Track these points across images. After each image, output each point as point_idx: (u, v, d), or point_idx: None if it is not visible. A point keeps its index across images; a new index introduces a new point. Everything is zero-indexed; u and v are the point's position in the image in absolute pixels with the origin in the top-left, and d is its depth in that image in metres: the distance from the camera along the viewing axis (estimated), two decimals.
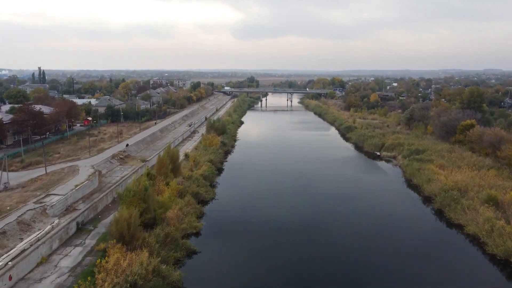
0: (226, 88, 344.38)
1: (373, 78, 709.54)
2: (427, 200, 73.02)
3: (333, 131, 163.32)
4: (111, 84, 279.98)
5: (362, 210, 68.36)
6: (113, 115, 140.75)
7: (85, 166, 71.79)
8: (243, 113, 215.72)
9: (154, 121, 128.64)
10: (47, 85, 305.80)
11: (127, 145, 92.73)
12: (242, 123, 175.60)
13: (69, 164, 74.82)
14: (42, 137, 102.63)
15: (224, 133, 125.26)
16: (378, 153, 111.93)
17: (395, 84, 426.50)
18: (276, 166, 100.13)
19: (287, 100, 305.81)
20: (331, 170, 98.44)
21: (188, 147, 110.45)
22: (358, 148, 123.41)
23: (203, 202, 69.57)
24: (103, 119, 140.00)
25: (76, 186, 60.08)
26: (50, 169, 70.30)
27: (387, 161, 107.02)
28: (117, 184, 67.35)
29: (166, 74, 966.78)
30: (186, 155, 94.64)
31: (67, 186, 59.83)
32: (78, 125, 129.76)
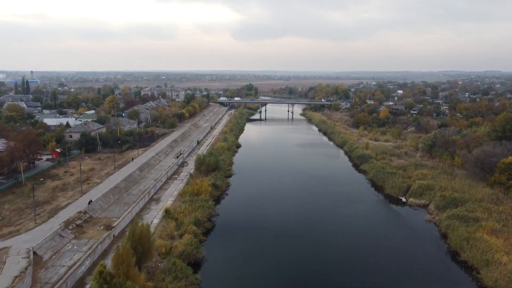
0: (223, 98, 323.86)
1: (374, 82, 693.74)
2: None
3: (342, 157, 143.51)
4: (99, 96, 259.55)
5: None
6: (88, 144, 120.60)
7: (18, 254, 51.72)
8: (241, 131, 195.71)
9: (132, 157, 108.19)
10: (31, 96, 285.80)
11: (90, 201, 72.57)
12: (239, 146, 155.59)
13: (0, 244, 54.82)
14: None
15: (217, 168, 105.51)
16: (404, 199, 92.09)
17: (400, 91, 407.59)
18: (277, 215, 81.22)
19: (288, 111, 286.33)
20: (344, 219, 79.98)
21: (171, 191, 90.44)
22: (376, 187, 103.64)
23: None
24: (76, 149, 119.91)
25: None
26: None
27: (415, 209, 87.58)
28: (60, 284, 47.33)
29: (163, 77, 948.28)
30: (167, 211, 74.82)
31: None
32: (45, 158, 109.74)
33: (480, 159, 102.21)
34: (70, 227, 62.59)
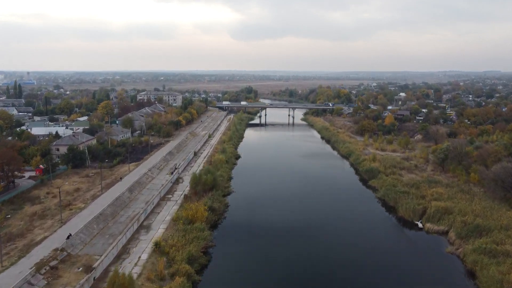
0: (226, 102, 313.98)
1: (375, 84, 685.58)
2: None
3: (348, 169, 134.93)
4: (93, 101, 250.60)
5: None
6: (75, 159, 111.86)
7: None
8: (240, 139, 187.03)
9: (121, 176, 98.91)
10: (23, 100, 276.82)
11: (69, 236, 63.91)
12: (238, 157, 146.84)
13: None
14: None
15: (214, 187, 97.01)
16: (420, 225, 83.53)
17: (402, 94, 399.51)
18: (280, 243, 72.67)
19: (289, 115, 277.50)
20: (355, 249, 71.80)
21: (164, 216, 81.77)
22: (388, 207, 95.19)
23: None
24: (63, 165, 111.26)
25: None
26: None
27: (433, 236, 79.04)
28: None
29: (162, 78, 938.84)
30: (157, 245, 66.28)
31: None
32: (27, 175, 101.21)
33: (500, 177, 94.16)
34: (43, 271, 54.01)
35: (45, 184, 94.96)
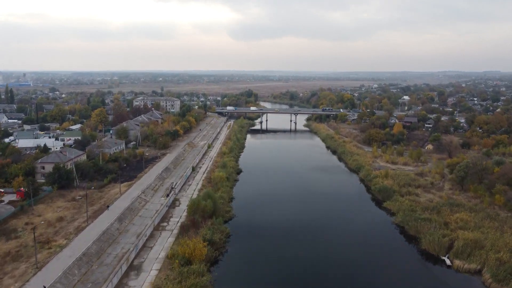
0: (230, 107, 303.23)
1: (376, 85, 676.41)
2: None
3: (358, 186, 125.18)
4: (87, 107, 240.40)
5: None
6: (62, 179, 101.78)
7: None
8: (241, 149, 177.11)
9: (107, 205, 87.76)
10: (15, 106, 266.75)
11: None
12: (239, 172, 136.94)
13: None
14: None
15: (214, 213, 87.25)
16: (448, 261, 73.70)
17: (406, 97, 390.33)
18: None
19: (291, 121, 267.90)
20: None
21: (157, 252, 71.89)
22: (407, 236, 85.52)
23: None
24: (48, 185, 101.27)
25: None
26: None
27: (465, 276, 69.28)
28: None
29: (160, 79, 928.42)
30: None
31: None
32: (7, 200, 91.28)
33: None
34: None
35: (25, 212, 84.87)
